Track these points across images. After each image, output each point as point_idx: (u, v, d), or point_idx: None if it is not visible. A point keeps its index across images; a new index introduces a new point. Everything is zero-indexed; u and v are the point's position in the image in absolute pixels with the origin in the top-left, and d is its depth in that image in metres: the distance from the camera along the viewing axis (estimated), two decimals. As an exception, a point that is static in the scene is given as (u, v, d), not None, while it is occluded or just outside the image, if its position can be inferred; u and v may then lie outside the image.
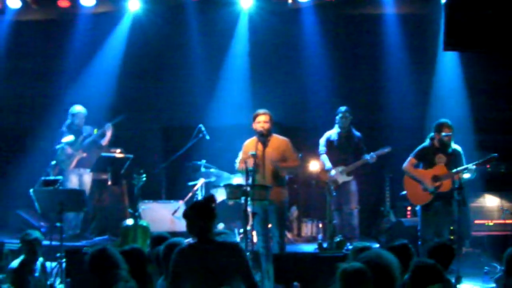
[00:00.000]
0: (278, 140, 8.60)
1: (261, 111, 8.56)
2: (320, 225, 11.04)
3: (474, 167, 8.49)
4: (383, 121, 11.88)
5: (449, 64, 11.49)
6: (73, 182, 10.47)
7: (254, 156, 8.13)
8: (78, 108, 10.71)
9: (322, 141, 10.11)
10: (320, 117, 11.20)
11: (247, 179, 7.94)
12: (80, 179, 10.60)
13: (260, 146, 8.46)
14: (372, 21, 11.78)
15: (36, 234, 7.43)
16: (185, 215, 5.44)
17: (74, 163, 10.50)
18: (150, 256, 6.17)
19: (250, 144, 8.58)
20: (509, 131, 11.12)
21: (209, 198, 5.53)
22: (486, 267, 8.72)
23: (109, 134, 10.62)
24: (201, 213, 5.36)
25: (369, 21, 11.82)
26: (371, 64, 11.88)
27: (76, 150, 10.49)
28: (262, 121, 8.49)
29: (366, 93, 11.91)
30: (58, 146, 10.48)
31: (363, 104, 11.62)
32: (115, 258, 5.36)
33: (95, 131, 10.60)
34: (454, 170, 8.51)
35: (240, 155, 8.63)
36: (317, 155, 10.16)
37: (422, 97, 11.58)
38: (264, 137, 8.50)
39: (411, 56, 11.70)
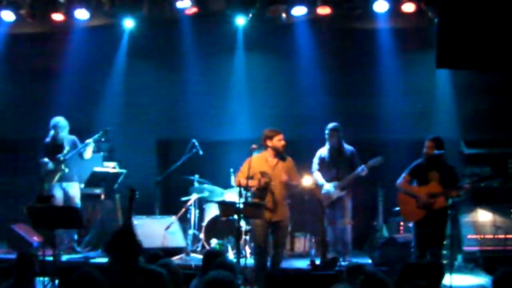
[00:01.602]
0: (287, 158, 8.91)
1: (278, 129, 8.92)
2: (313, 240, 11.07)
3: (469, 185, 8.54)
4: (378, 135, 11.92)
5: (444, 79, 11.58)
6: (57, 196, 10.30)
7: (266, 174, 8.44)
8: (59, 119, 10.56)
9: (315, 159, 10.16)
10: (314, 132, 11.20)
11: (240, 196, 8.06)
12: (65, 193, 10.45)
13: (273, 164, 8.71)
14: (366, 35, 11.80)
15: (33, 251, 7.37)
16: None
17: (56, 177, 10.42)
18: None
19: (261, 160, 8.74)
20: (500, 145, 11.16)
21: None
22: (478, 283, 8.74)
23: (90, 148, 10.48)
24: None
25: (364, 35, 11.85)
26: (366, 78, 11.93)
27: (59, 164, 10.42)
28: (282, 139, 8.79)
29: (361, 107, 11.95)
30: (40, 161, 10.47)
31: (358, 117, 11.68)
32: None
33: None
34: (449, 188, 8.53)
35: (245, 169, 8.68)
36: (310, 169, 10.17)
37: (417, 112, 11.64)
38: (281, 154, 8.79)
39: (406, 69, 11.78)
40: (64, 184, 10.46)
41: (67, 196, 10.42)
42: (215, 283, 4.94)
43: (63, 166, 10.29)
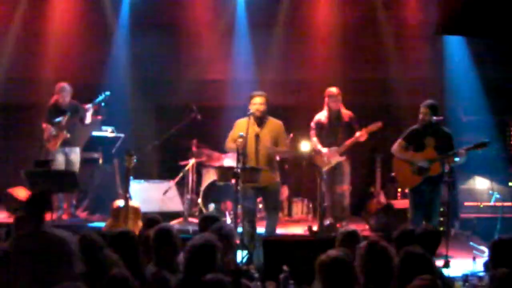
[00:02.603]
0: (273, 123, 8.74)
1: (257, 92, 8.71)
2: (311, 205, 11.12)
3: (464, 151, 8.52)
4: (379, 102, 11.92)
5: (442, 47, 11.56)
6: (59, 161, 10.25)
7: (242, 137, 8.23)
8: (63, 85, 10.49)
9: (313, 124, 10.11)
10: (313, 97, 11.20)
11: (238, 161, 8.04)
12: (67, 158, 10.38)
13: (253, 128, 8.57)
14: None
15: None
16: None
17: (58, 143, 10.42)
18: (140, 239, 6.23)
19: (242, 124, 8.64)
20: (498, 113, 11.16)
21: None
22: (474, 251, 8.78)
23: (89, 113, 10.43)
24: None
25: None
26: (371, 38, 11.93)
27: (60, 130, 10.39)
28: (258, 103, 8.61)
29: (362, 72, 11.96)
30: (43, 126, 10.44)
31: (359, 82, 11.67)
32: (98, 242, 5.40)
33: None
34: (445, 154, 8.52)
35: (231, 133, 8.71)
36: (308, 135, 10.15)
37: (419, 78, 11.65)
38: (259, 119, 8.62)
39: (410, 34, 11.76)
40: (67, 149, 10.44)
41: (68, 161, 10.41)
42: (199, 247, 4.99)
43: (65, 132, 10.28)
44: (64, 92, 10.41)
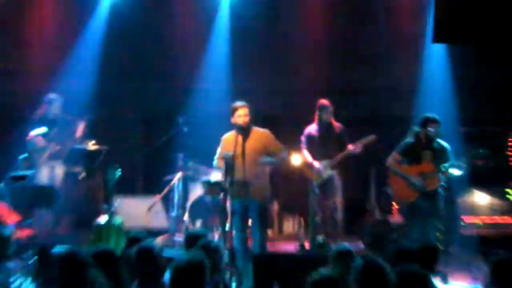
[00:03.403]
0: (258, 133, 8.59)
1: (239, 104, 8.53)
2: (302, 221, 11.05)
3: (462, 163, 8.48)
4: (371, 113, 11.90)
5: (437, 56, 11.52)
6: (43, 175, 10.25)
7: (230, 157, 8.09)
8: (53, 96, 10.51)
9: (303, 138, 10.07)
10: (304, 107, 11.15)
11: (226, 176, 7.95)
12: (52, 171, 10.36)
13: (240, 140, 8.44)
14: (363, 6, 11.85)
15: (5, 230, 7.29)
16: None
17: (46, 155, 10.37)
18: (123, 258, 6.16)
19: (229, 139, 8.55)
20: (497, 123, 11.16)
21: None
22: (474, 270, 8.72)
23: (81, 127, 10.45)
24: None
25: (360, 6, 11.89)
26: (360, 52, 11.89)
27: (49, 141, 10.33)
28: (242, 114, 8.46)
29: (353, 83, 11.94)
30: (30, 137, 10.35)
31: (349, 94, 11.65)
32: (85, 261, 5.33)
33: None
34: (442, 166, 8.50)
35: (219, 150, 8.63)
36: (299, 148, 10.08)
37: (410, 89, 11.59)
38: (244, 130, 8.48)
39: (400, 46, 11.73)
40: (53, 163, 10.39)
41: (53, 175, 10.35)
42: (185, 265, 4.91)
43: (54, 144, 10.23)
44: (53, 103, 10.36)
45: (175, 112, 11.11)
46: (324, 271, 4.80)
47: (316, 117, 10.00)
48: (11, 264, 7.39)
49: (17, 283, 7.49)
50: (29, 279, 7.58)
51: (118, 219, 8.55)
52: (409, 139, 8.86)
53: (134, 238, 6.60)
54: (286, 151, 8.84)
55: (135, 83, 12.25)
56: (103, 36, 12.11)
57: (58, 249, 5.61)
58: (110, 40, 12.04)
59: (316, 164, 9.82)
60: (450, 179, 8.58)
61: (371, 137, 9.69)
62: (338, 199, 9.99)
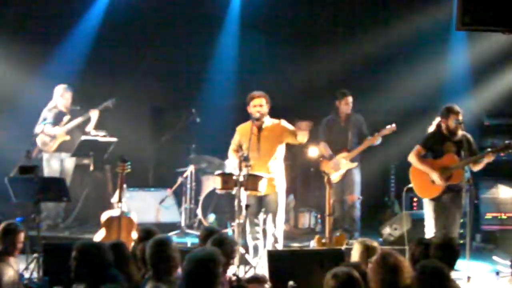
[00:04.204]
0: (272, 123, 8.58)
1: (256, 93, 8.50)
2: (319, 216, 11.02)
3: (487, 155, 8.40)
4: (390, 105, 11.88)
5: (460, 48, 11.50)
6: (54, 167, 10.35)
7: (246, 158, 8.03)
8: (64, 87, 10.56)
9: (321, 128, 10.05)
10: (321, 100, 11.14)
11: (240, 168, 7.94)
12: (62, 164, 10.46)
13: (255, 131, 8.43)
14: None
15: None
16: None
17: (56, 146, 10.41)
18: (134, 252, 6.20)
19: (244, 130, 8.56)
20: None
21: None
22: (497, 267, 8.69)
23: (94, 119, 10.50)
24: None
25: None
26: (378, 43, 11.87)
27: (60, 131, 10.38)
28: (258, 104, 8.44)
29: (372, 75, 11.92)
30: (39, 126, 10.40)
31: (368, 86, 11.63)
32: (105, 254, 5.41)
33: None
34: (466, 160, 8.43)
35: (234, 141, 8.62)
36: (316, 140, 10.04)
37: (433, 81, 11.56)
38: (259, 121, 8.48)
39: (422, 37, 11.70)
40: (63, 155, 10.48)
41: (63, 168, 10.42)
42: (199, 261, 4.93)
43: (64, 134, 10.29)
44: (64, 95, 10.42)
45: (185, 104, 11.11)
46: (342, 267, 4.80)
47: (336, 107, 9.98)
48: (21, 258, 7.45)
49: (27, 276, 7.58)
50: (40, 273, 7.66)
51: (128, 213, 8.57)
52: (431, 131, 8.79)
53: (146, 232, 6.61)
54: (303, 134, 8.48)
55: (145, 77, 12.25)
56: (115, 21, 12.15)
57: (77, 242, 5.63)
58: (120, 30, 12.07)
59: (334, 156, 9.80)
60: (474, 172, 8.52)
61: (391, 127, 9.64)
62: (356, 196, 9.95)
